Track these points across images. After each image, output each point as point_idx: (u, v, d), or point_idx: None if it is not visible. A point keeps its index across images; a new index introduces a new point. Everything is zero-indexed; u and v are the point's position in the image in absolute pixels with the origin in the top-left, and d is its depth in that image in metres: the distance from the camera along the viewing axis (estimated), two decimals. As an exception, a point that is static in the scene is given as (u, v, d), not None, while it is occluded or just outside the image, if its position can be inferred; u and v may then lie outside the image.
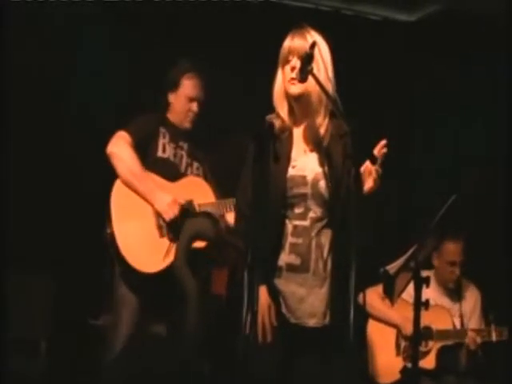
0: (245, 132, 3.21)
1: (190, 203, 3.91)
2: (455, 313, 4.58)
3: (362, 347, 4.47)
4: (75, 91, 4.66)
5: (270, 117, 3.17)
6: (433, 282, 4.57)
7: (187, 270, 3.94)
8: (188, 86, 4.01)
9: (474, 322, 4.61)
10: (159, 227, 3.88)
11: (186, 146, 4.04)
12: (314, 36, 3.13)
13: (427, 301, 3.25)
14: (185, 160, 4.02)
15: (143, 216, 3.87)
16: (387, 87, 5.01)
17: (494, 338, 4.39)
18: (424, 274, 3.28)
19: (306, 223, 3.14)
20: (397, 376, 4.44)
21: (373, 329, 4.59)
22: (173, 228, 3.86)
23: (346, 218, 2.91)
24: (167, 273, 3.81)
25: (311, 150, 3.20)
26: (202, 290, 4.04)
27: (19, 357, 4.26)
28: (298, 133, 3.22)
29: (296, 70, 3.08)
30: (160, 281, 3.83)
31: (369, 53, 4.95)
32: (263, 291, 3.10)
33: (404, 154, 5.05)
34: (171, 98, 4.05)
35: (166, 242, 3.87)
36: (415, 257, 3.25)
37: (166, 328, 4.06)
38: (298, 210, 3.15)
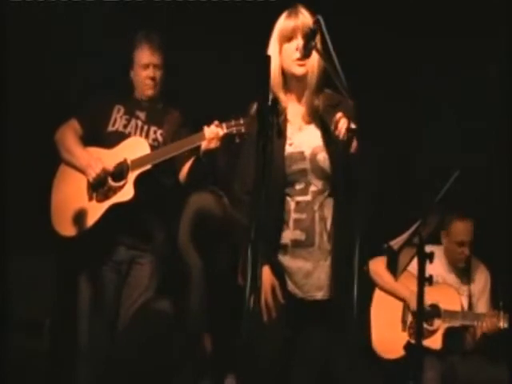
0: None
1: (122, 163, 3.89)
2: (463, 292, 4.56)
3: (366, 321, 4.45)
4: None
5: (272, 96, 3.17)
6: (442, 261, 4.59)
7: (191, 246, 3.94)
8: (139, 56, 4.05)
9: (482, 304, 4.58)
10: (88, 191, 3.92)
11: (143, 114, 4.06)
12: (305, 15, 3.14)
13: (431, 276, 3.25)
14: (140, 127, 4.03)
15: (77, 186, 3.94)
16: (389, 64, 4.98)
17: (501, 324, 4.39)
18: (428, 249, 3.28)
19: (308, 198, 3.17)
20: (401, 352, 4.43)
21: (378, 302, 4.55)
22: (97, 188, 3.89)
23: (347, 188, 2.92)
24: (88, 234, 3.86)
25: (306, 125, 3.21)
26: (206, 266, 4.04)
27: (22, 336, 4.29)
28: (291, 110, 3.24)
29: (300, 48, 3.08)
30: (81, 242, 3.88)
31: (371, 29, 4.92)
32: (266, 271, 3.13)
33: (406, 128, 5.03)
34: (131, 74, 4.10)
35: (94, 204, 3.89)
36: (419, 232, 3.25)
37: (171, 304, 4.07)
38: (298, 186, 3.18)
